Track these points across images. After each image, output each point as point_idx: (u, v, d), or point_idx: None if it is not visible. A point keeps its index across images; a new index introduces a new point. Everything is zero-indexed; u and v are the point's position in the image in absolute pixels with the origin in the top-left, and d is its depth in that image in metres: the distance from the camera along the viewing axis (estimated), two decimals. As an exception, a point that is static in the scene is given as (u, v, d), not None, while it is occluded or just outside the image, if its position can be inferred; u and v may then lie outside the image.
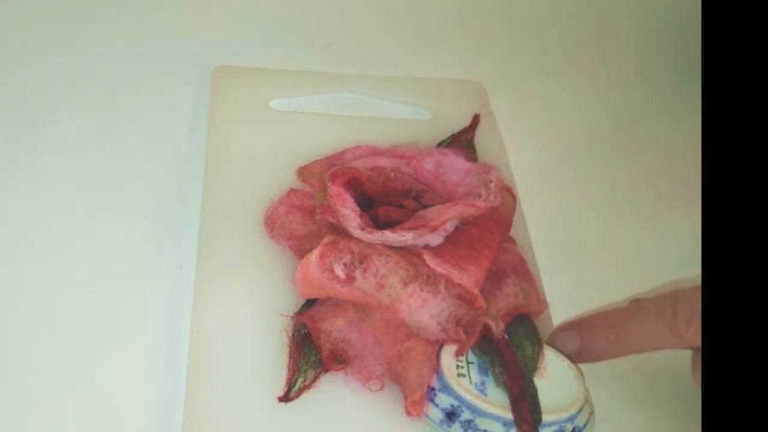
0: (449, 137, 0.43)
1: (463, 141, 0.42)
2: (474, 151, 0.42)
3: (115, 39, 0.48)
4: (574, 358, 0.32)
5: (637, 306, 0.31)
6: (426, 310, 0.31)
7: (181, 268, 0.37)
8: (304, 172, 0.38)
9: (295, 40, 0.50)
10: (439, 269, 0.31)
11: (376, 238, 0.32)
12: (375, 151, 0.37)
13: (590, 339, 0.32)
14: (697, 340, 0.29)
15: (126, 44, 0.48)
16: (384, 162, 0.36)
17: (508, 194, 0.36)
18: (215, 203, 0.38)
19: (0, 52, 0.46)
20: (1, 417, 0.31)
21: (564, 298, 0.35)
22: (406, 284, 0.31)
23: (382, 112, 0.45)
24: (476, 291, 0.31)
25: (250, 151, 0.41)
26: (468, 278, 0.31)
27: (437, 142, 0.42)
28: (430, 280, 0.31)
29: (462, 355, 0.31)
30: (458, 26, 0.53)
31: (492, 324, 0.30)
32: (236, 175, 0.40)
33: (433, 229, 0.32)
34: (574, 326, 0.32)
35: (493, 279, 0.33)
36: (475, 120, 0.44)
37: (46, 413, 0.32)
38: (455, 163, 0.36)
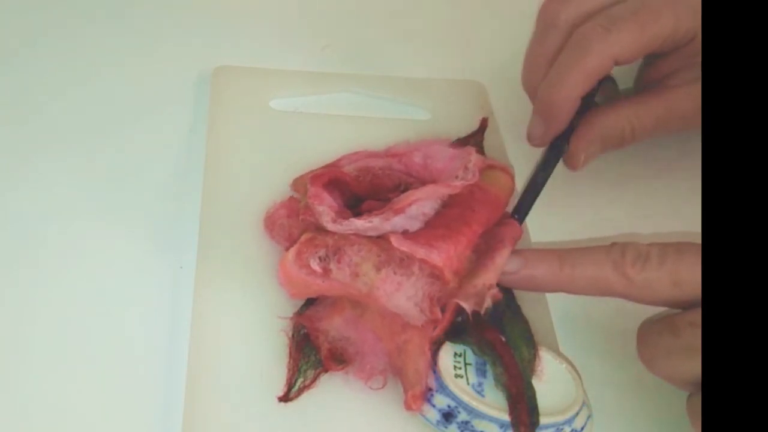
0: (455, 141, 0.42)
1: (471, 145, 0.42)
2: (483, 154, 0.42)
3: (115, 39, 0.48)
4: (512, 283, 0.31)
5: (588, 245, 0.31)
6: (402, 293, 0.31)
7: (181, 268, 0.37)
8: (297, 182, 0.38)
9: (295, 40, 0.50)
10: (402, 248, 0.31)
11: (345, 228, 0.32)
12: (370, 155, 0.37)
13: (532, 263, 0.31)
14: (648, 290, 0.29)
15: (126, 44, 0.48)
16: (375, 162, 0.36)
17: (502, 173, 0.36)
18: (215, 203, 0.38)
19: (-1, 52, 0.47)
20: (1, 417, 0.31)
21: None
22: (378, 269, 0.31)
23: (382, 113, 0.45)
24: (441, 264, 0.31)
25: (250, 150, 0.41)
26: (437, 254, 0.31)
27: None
28: (404, 262, 0.31)
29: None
30: (458, 26, 0.53)
31: (463, 304, 0.30)
32: (236, 175, 0.40)
33: (398, 212, 0.32)
34: (521, 252, 0.32)
35: (487, 250, 0.32)
36: (484, 123, 0.44)
37: (45, 413, 0.32)
38: (441, 151, 0.36)
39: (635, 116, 0.37)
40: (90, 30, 0.49)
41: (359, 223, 0.32)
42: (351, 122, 0.43)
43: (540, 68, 0.38)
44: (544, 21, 0.38)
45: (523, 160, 0.41)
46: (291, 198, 0.38)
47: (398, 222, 0.32)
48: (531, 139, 0.38)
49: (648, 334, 0.30)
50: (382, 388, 0.32)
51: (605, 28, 0.34)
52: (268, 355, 0.33)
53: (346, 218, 0.33)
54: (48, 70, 0.46)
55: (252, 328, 0.34)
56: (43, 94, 0.44)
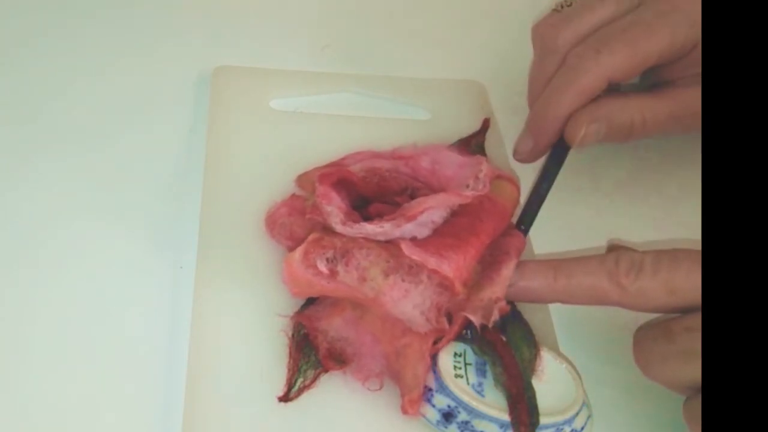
0: (456, 142, 0.42)
1: (473, 145, 0.42)
2: (485, 155, 0.42)
3: (114, 39, 0.48)
4: (509, 295, 0.31)
5: (582, 255, 0.31)
6: (408, 300, 0.31)
7: (181, 268, 0.37)
8: (302, 179, 0.38)
9: (295, 40, 0.50)
10: (414, 256, 0.31)
11: (355, 231, 0.32)
12: (375, 155, 0.37)
13: (528, 276, 0.31)
14: (642, 298, 0.29)
15: (126, 44, 0.48)
16: (382, 164, 0.36)
17: (509, 184, 0.36)
18: (215, 203, 0.38)
19: None
20: (2, 417, 0.31)
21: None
22: (387, 275, 0.31)
23: (382, 113, 0.45)
24: (451, 275, 0.30)
25: (250, 151, 0.41)
26: (447, 265, 0.31)
27: (438, 142, 0.42)
28: (412, 270, 0.31)
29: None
30: (458, 26, 0.53)
31: (473, 317, 0.30)
32: (236, 175, 0.40)
33: (410, 219, 0.32)
34: (516, 263, 0.32)
35: (493, 262, 0.32)
36: (486, 124, 0.44)
37: (45, 413, 0.32)
38: (449, 158, 0.36)
39: (648, 108, 0.36)
40: (90, 30, 0.49)
41: (370, 228, 0.32)
42: (351, 122, 0.43)
43: (541, 92, 0.37)
44: (542, 46, 0.37)
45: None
46: (293, 196, 0.37)
47: (408, 229, 0.32)
48: (517, 154, 0.38)
49: (643, 340, 0.30)
50: (379, 389, 0.32)
51: (596, 49, 0.34)
52: (268, 355, 0.33)
53: (355, 221, 0.32)
54: (48, 70, 0.46)
55: (252, 328, 0.34)
56: (43, 94, 0.44)
